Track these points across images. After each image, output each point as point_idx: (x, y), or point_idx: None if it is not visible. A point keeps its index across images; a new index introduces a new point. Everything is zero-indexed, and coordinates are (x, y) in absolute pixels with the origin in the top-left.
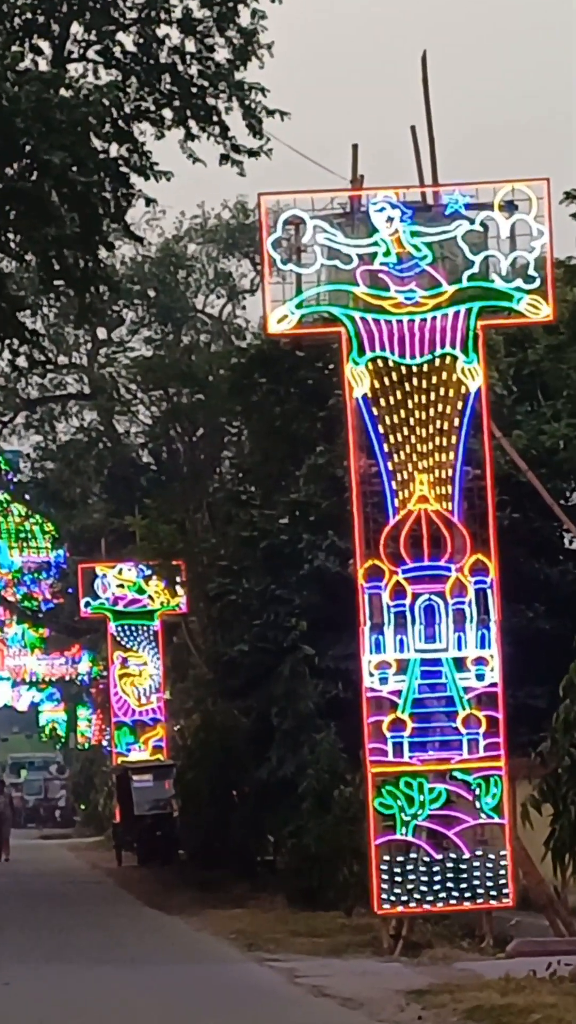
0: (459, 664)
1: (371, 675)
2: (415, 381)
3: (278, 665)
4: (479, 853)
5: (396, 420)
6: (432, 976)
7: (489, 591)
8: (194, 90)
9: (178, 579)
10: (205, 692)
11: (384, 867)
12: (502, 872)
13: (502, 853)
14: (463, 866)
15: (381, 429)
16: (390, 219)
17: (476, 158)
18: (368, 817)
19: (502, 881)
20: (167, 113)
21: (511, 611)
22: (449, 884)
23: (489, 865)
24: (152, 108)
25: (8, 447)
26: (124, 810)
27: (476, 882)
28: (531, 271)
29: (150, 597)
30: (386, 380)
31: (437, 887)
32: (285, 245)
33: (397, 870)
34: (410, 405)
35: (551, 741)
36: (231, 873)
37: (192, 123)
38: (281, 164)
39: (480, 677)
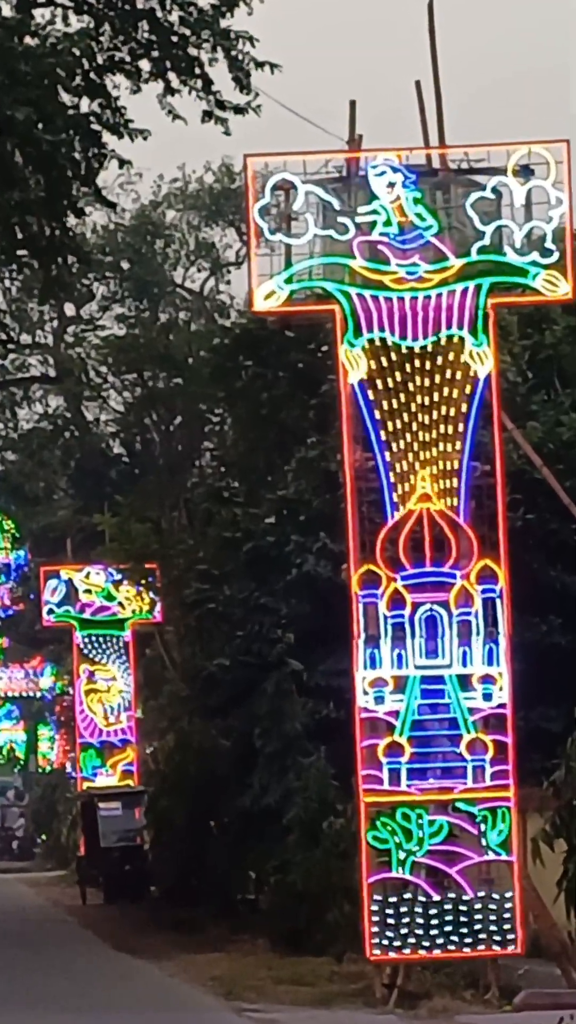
0: (464, 682)
1: (365, 693)
2: (417, 365)
3: (262, 681)
4: (483, 894)
5: (396, 409)
6: None
7: (498, 601)
8: (174, 39)
9: (152, 584)
10: (181, 710)
11: (377, 908)
12: (509, 915)
13: (508, 894)
14: (465, 908)
15: (379, 418)
16: (391, 184)
17: (488, 117)
18: (361, 852)
19: (508, 925)
20: (144, 65)
21: (523, 624)
22: (450, 928)
23: (494, 907)
24: (127, 59)
25: None
26: (89, 841)
27: (480, 926)
28: (548, 243)
29: (120, 604)
30: (385, 364)
31: (436, 931)
32: (274, 212)
33: (392, 912)
34: (411, 392)
35: (565, 769)
36: (208, 912)
37: (172, 76)
38: (270, 123)
39: (487, 697)
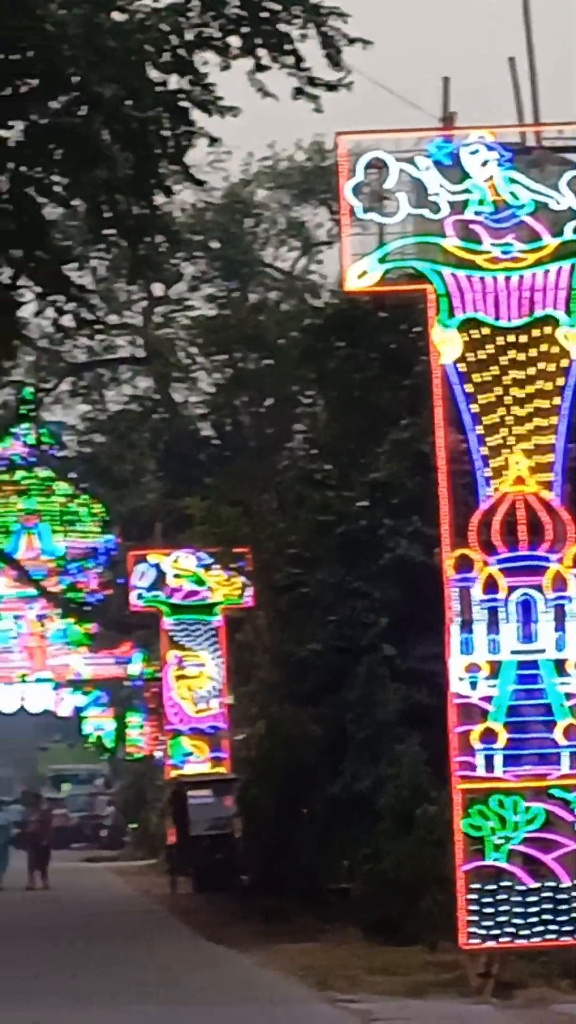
0: (559, 667)
1: (459, 679)
2: (511, 346)
3: (354, 667)
4: None
5: (489, 390)
6: (526, 1020)
7: None
8: (264, 15)
9: (242, 569)
10: (272, 697)
11: (472, 896)
12: None
13: None
14: (562, 896)
15: (472, 400)
16: (485, 163)
17: None
18: (454, 840)
19: None
20: (234, 41)
21: None
22: (546, 916)
23: None
24: (217, 35)
25: (52, 418)
26: (179, 830)
27: None
28: None
29: (210, 589)
30: (479, 345)
31: (532, 919)
32: (366, 191)
33: (486, 900)
34: (505, 373)
35: None
36: (299, 902)
37: (262, 52)
38: (362, 101)
39: None
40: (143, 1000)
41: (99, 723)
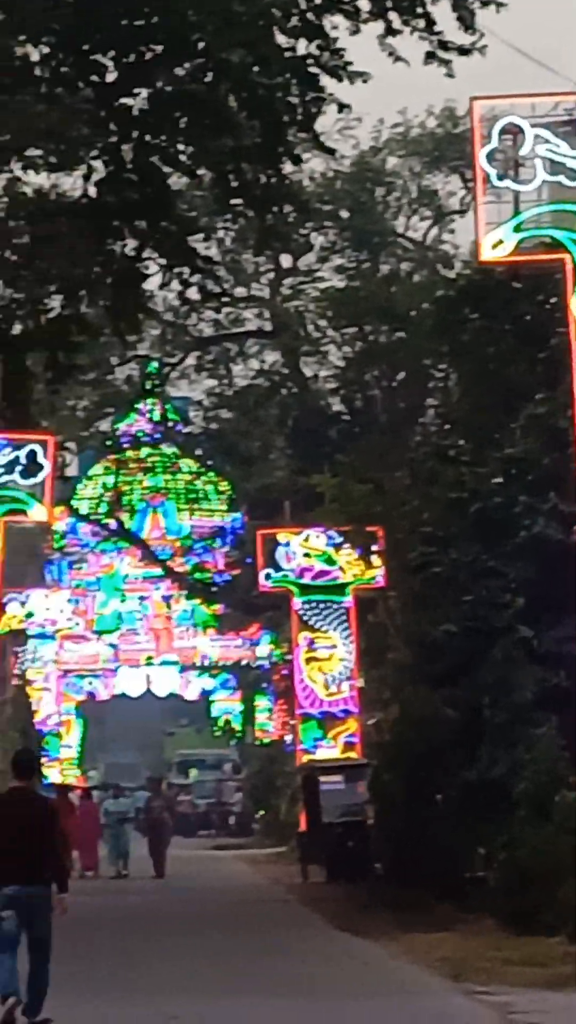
0: None
1: None
2: None
3: (490, 648)
4: None
5: None
6: None
7: None
8: None
9: (374, 548)
10: (405, 679)
11: None
12: None
13: None
14: None
15: None
16: None
17: None
18: None
19: None
20: (364, 4)
21: None
22: None
23: None
24: None
25: (177, 393)
26: (310, 817)
27: None
28: None
29: (341, 568)
30: None
31: None
32: (501, 158)
33: None
34: None
35: None
36: (433, 891)
37: (393, 16)
38: (496, 65)
39: None
40: (277, 993)
41: (227, 707)
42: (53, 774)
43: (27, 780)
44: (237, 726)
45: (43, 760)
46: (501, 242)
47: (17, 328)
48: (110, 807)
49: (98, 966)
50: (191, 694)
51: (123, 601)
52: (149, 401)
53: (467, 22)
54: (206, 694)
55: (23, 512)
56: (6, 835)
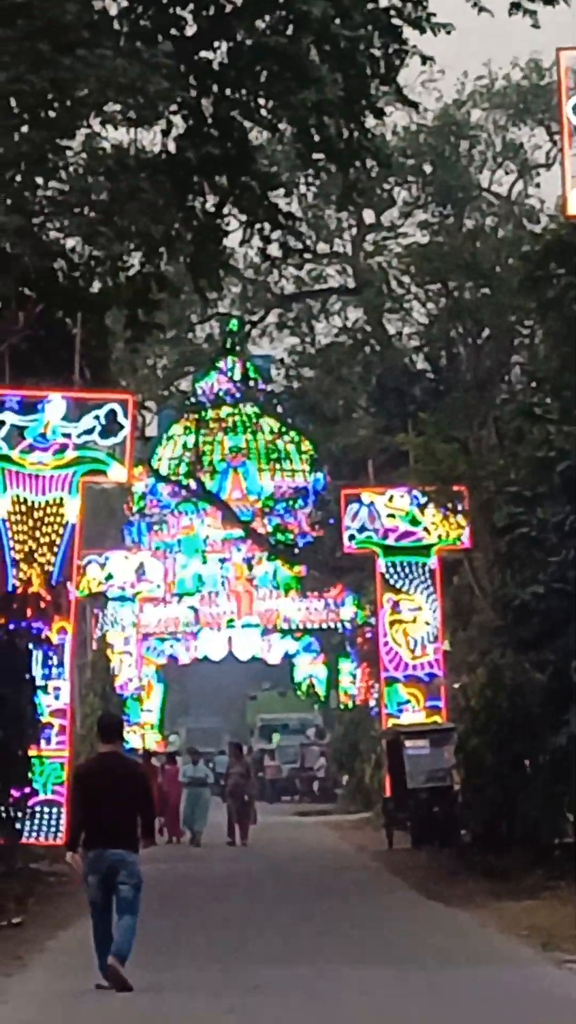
0: None
1: None
2: None
3: None
4: None
5: None
6: None
7: None
8: None
9: (459, 508)
10: (491, 642)
11: None
12: None
13: None
14: None
15: None
16: None
17: None
18: None
19: None
20: None
21: None
22: None
23: None
24: None
25: (258, 351)
26: (395, 782)
27: None
28: None
29: (426, 529)
30: None
31: None
32: None
33: None
34: None
35: None
36: (523, 858)
37: None
38: None
39: None
40: (362, 961)
41: (310, 670)
42: (134, 739)
43: (114, 744)
44: (321, 690)
45: (125, 725)
46: None
47: (96, 286)
48: (188, 772)
49: (180, 933)
50: (274, 657)
51: (204, 563)
52: (230, 359)
53: None
54: (289, 657)
55: (102, 473)
56: (94, 799)
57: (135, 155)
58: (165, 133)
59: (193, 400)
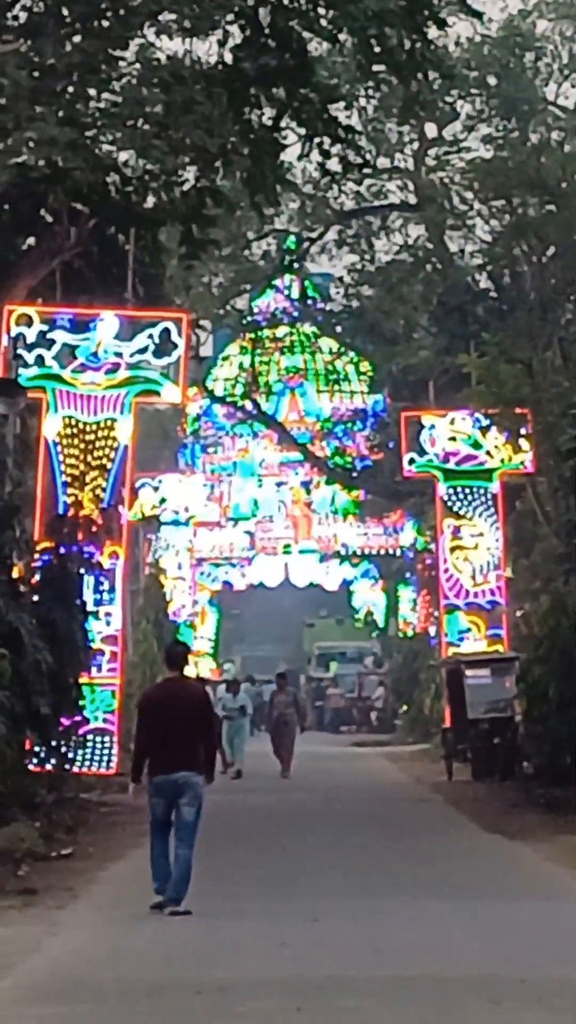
0: None
1: None
2: None
3: None
4: None
5: None
6: None
7: None
8: None
9: (522, 431)
10: (555, 569)
11: None
12: None
13: None
14: None
15: None
16: None
17: None
18: None
19: None
20: None
21: None
22: None
23: None
24: None
25: (317, 269)
26: (455, 713)
27: None
28: None
29: (488, 453)
30: None
31: None
32: None
33: None
34: None
35: None
36: None
37: None
38: None
39: None
40: (421, 894)
41: (369, 597)
42: (187, 667)
43: (181, 672)
44: (379, 618)
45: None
46: None
47: (150, 201)
48: (227, 703)
49: (237, 863)
50: (331, 584)
51: (260, 487)
52: (287, 277)
53: None
54: (347, 584)
55: (156, 393)
56: (160, 724)
57: (190, 66)
58: (221, 43)
59: (249, 319)
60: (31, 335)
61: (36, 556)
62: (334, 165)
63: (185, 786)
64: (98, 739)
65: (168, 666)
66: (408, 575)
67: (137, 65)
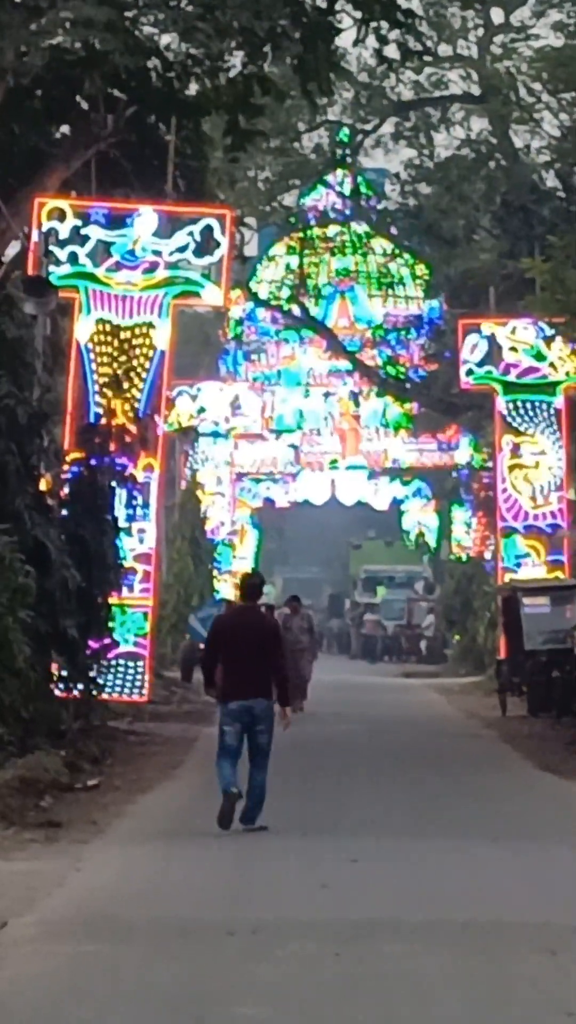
0: None
1: None
2: None
3: None
4: None
5: None
6: None
7: None
8: None
9: None
10: None
11: None
12: None
13: None
14: None
15: None
16: None
17: None
18: None
19: None
20: None
21: None
22: None
23: None
24: None
25: (371, 164)
26: (511, 644)
27: None
28: None
29: (552, 365)
30: None
31: None
32: None
33: None
34: None
35: None
36: None
37: None
38: None
39: None
40: (469, 836)
41: (420, 518)
42: (224, 589)
43: (255, 602)
44: (431, 540)
45: (215, 573)
46: None
47: (193, 88)
48: None
49: (278, 799)
50: (380, 503)
51: (306, 397)
52: (339, 173)
53: None
54: (397, 503)
55: (196, 295)
56: (234, 651)
57: None
58: None
59: (298, 217)
60: (64, 230)
61: (65, 468)
62: (392, 52)
63: (260, 714)
64: (128, 664)
65: (244, 596)
66: (463, 495)
67: None
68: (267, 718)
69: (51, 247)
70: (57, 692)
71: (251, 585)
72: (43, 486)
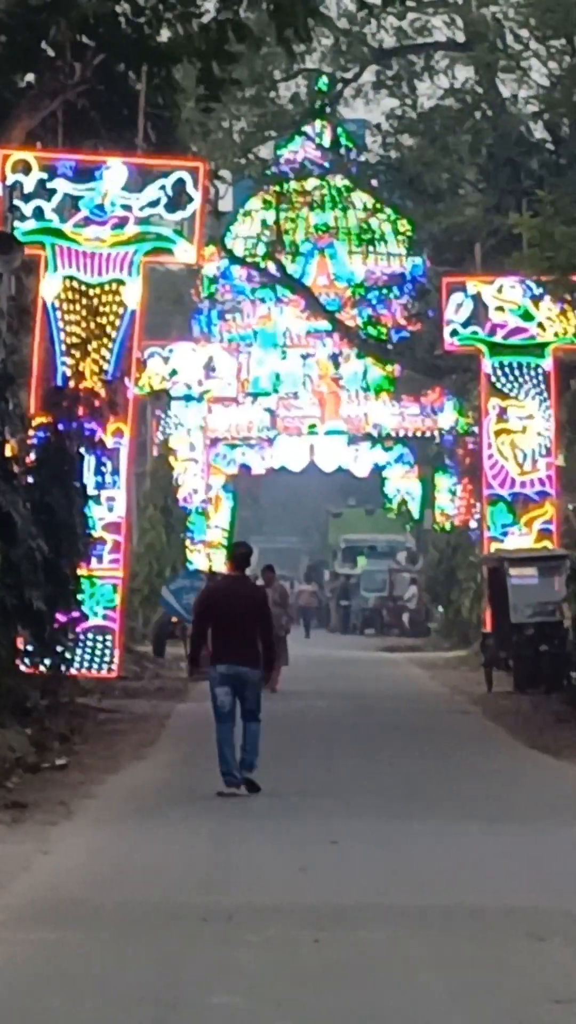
0: None
1: None
2: None
3: None
4: None
5: None
6: None
7: None
8: None
9: None
10: None
11: None
12: None
13: None
14: None
15: None
16: None
17: None
18: None
19: None
20: None
21: None
22: None
23: None
24: None
25: (351, 115)
26: (497, 616)
27: None
28: None
29: (540, 325)
30: None
31: None
32: None
33: None
34: None
35: None
36: None
37: None
38: None
39: None
40: (454, 817)
41: (403, 485)
42: (198, 559)
43: (242, 571)
44: (414, 508)
45: (188, 543)
46: None
47: (165, 35)
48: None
49: (257, 777)
50: (361, 470)
51: (283, 359)
52: (318, 123)
53: None
54: (378, 470)
55: (167, 252)
56: (224, 616)
57: None
58: None
59: (274, 170)
60: (29, 184)
61: (31, 433)
62: None
63: (248, 676)
64: (98, 638)
65: (232, 566)
66: (447, 461)
67: None
68: (253, 687)
69: (15, 201)
70: (23, 667)
71: (240, 555)
72: (8, 452)
